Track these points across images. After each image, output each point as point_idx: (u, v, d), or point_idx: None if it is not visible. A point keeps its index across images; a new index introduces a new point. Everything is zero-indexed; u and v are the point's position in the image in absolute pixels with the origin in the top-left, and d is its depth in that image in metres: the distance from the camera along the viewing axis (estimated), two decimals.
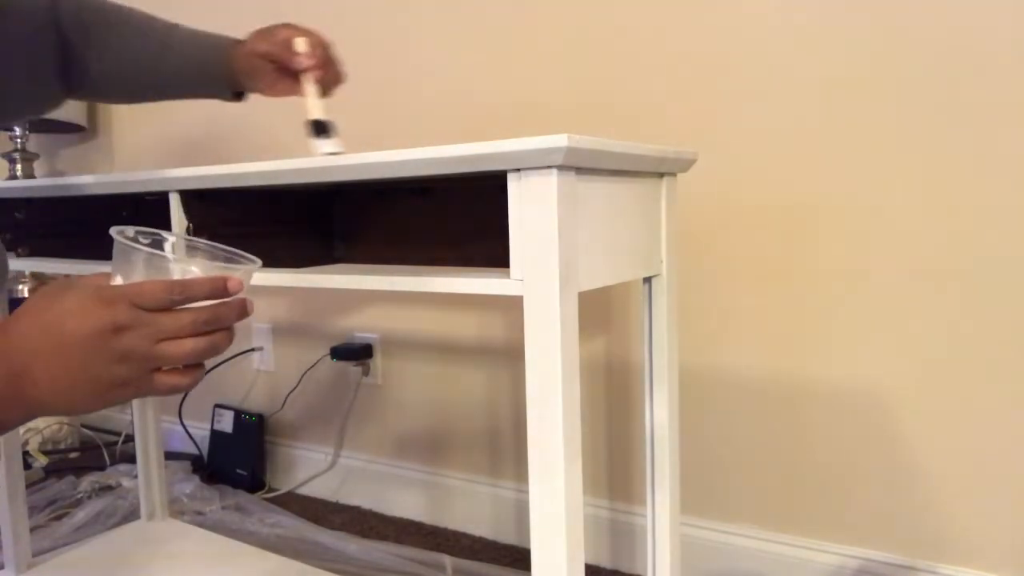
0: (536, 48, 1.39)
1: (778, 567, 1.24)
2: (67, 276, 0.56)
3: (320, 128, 0.89)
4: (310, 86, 0.93)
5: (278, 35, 0.94)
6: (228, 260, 0.58)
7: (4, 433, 0.52)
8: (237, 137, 1.83)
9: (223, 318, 0.54)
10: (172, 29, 0.98)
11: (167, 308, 0.52)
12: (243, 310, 0.56)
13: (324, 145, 0.88)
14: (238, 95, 1.02)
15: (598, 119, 1.34)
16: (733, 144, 1.22)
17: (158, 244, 0.58)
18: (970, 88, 1.05)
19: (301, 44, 0.93)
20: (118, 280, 0.54)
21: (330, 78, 0.95)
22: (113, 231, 0.54)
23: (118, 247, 0.54)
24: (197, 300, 0.53)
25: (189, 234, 0.83)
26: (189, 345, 0.53)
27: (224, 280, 0.54)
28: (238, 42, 0.97)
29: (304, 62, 0.92)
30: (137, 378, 0.52)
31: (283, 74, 0.95)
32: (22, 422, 0.54)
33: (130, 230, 0.56)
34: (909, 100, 1.09)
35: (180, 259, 0.56)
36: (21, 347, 0.52)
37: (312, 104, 0.91)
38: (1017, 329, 1.05)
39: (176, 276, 0.54)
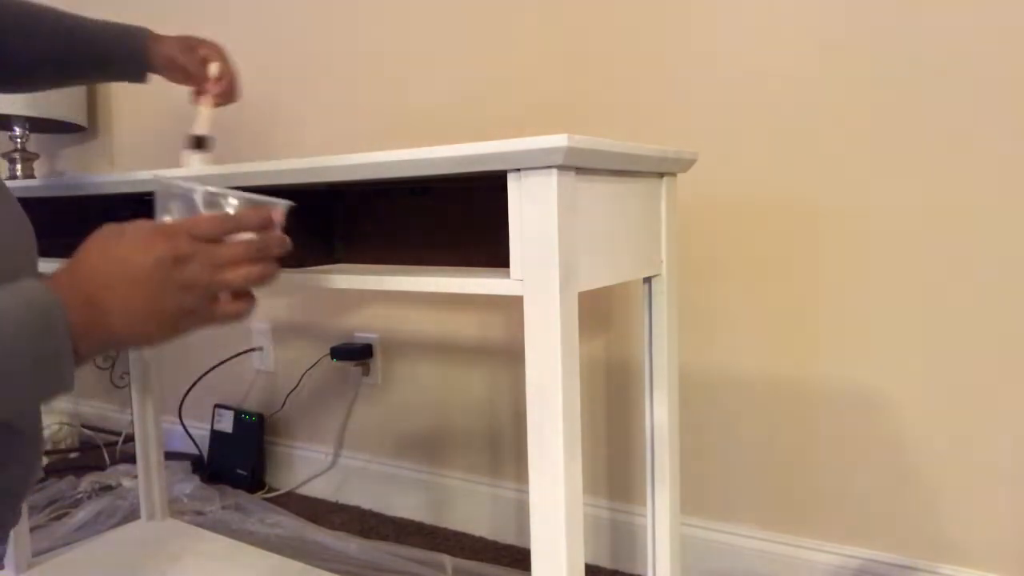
0: (536, 48, 1.39)
1: (778, 567, 1.24)
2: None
3: (199, 143, 1.03)
4: (206, 107, 1.05)
5: (198, 53, 1.04)
6: (259, 201, 0.62)
7: (81, 365, 0.55)
8: (237, 138, 1.83)
9: (271, 247, 0.59)
10: (82, 19, 1.03)
11: (221, 239, 0.57)
12: (285, 243, 0.60)
13: (194, 158, 1.02)
14: (141, 77, 1.09)
15: (598, 119, 1.34)
16: (733, 144, 1.22)
17: (190, 192, 0.62)
18: (970, 88, 1.05)
19: (214, 69, 1.04)
20: (165, 220, 0.58)
21: (227, 99, 1.07)
22: (156, 175, 0.60)
23: (164, 190, 0.59)
24: (247, 230, 0.58)
25: None
26: (245, 271, 0.57)
27: (268, 212, 0.59)
28: (154, 36, 1.05)
29: (211, 88, 1.04)
30: (200, 306, 0.56)
31: (188, 80, 1.06)
32: (98, 353, 0.56)
33: (168, 176, 0.61)
34: (909, 100, 1.09)
35: (223, 194, 0.60)
36: (92, 280, 0.54)
37: (201, 121, 1.04)
38: (1017, 329, 1.05)
39: (222, 211, 0.59)
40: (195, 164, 1.00)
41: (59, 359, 0.52)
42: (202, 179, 0.63)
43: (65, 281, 0.54)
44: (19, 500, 0.70)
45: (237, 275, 0.57)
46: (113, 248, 0.55)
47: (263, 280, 0.58)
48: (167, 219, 0.58)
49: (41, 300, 0.52)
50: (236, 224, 0.58)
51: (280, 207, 0.61)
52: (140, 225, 0.56)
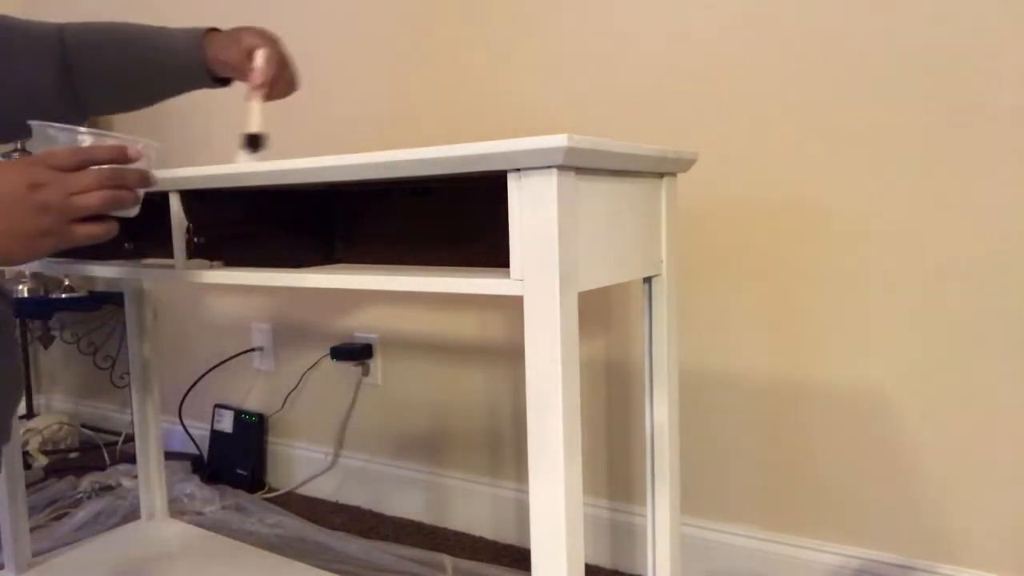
0: (536, 48, 1.39)
1: (778, 567, 1.24)
2: None
3: (252, 142, 0.95)
4: (255, 101, 0.97)
5: (241, 42, 0.98)
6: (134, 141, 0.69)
7: None
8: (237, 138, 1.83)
9: (124, 177, 0.65)
10: (155, 36, 1.01)
11: (75, 168, 0.63)
12: (144, 178, 0.67)
13: (245, 158, 0.95)
14: (222, 81, 1.05)
15: (598, 119, 1.34)
16: (733, 144, 1.22)
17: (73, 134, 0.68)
18: (970, 88, 1.05)
19: (259, 58, 0.96)
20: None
21: (279, 91, 1.01)
22: (32, 123, 0.67)
23: (35, 131, 0.66)
24: (100, 162, 0.64)
25: (189, 232, 0.84)
26: (97, 196, 0.63)
27: (123, 147, 0.66)
28: (208, 35, 1.01)
29: (256, 79, 0.96)
30: (58, 227, 0.63)
31: (237, 75, 1.02)
32: None
33: (44, 124, 0.67)
34: (909, 100, 1.09)
35: (86, 133, 0.67)
36: None
37: (252, 117, 0.96)
38: (1017, 329, 1.05)
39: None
40: (247, 160, 0.94)
41: None
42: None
43: None
44: None
45: (90, 199, 0.63)
46: None
47: (116, 205, 0.64)
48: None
49: None
50: (89, 156, 0.64)
51: (141, 144, 0.67)
52: (2, 161, 0.63)
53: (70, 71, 0.98)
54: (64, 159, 0.63)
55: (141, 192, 0.68)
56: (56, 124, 0.67)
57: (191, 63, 0.99)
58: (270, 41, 0.98)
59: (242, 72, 0.98)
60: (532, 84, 1.40)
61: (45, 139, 0.67)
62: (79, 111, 1.02)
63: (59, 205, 0.62)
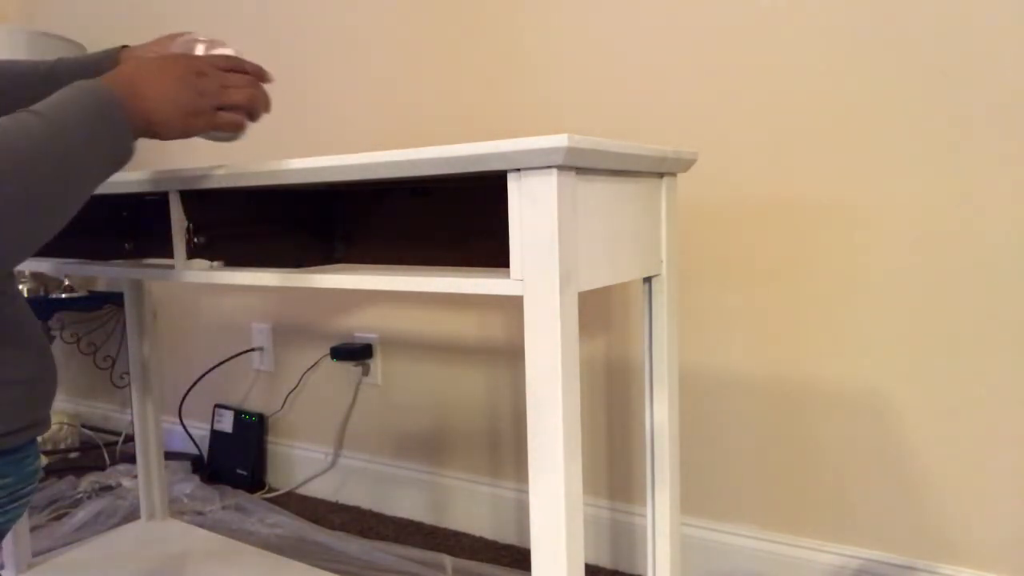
0: (536, 48, 1.39)
1: (778, 567, 1.24)
2: None
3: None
4: None
5: (176, 41, 1.04)
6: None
7: (128, 144, 0.70)
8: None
9: (260, 82, 0.81)
10: (55, 61, 1.03)
11: (228, 69, 0.78)
12: (268, 101, 0.82)
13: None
14: None
15: (598, 119, 1.34)
16: (733, 144, 1.22)
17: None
18: (970, 88, 1.05)
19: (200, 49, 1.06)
20: (199, 48, 0.90)
21: None
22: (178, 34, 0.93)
23: (184, 38, 0.92)
24: (247, 71, 0.80)
25: (189, 232, 0.84)
26: (244, 92, 0.78)
27: (262, 70, 0.83)
28: (129, 50, 1.04)
29: None
30: (208, 110, 0.75)
31: None
32: (139, 131, 0.71)
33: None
34: (909, 100, 1.09)
35: (220, 44, 0.91)
36: (135, 73, 0.72)
37: None
38: (1017, 329, 1.05)
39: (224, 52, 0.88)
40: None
41: (116, 125, 0.68)
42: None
43: (111, 78, 0.71)
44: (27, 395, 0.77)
45: (238, 94, 0.77)
46: (149, 60, 0.73)
47: (254, 103, 0.79)
48: (199, 48, 0.89)
49: (93, 85, 0.68)
50: (240, 64, 0.80)
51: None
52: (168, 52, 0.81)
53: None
54: (221, 60, 0.78)
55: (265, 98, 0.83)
56: (203, 37, 0.90)
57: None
58: (198, 38, 1.08)
59: None
60: (532, 84, 1.40)
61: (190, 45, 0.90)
62: None
63: (214, 92, 0.75)
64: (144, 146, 0.78)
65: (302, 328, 1.81)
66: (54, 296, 2.08)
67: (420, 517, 1.63)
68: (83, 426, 2.24)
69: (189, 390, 1.93)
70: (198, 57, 0.77)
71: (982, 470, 1.09)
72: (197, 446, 1.96)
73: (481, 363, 1.54)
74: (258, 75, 0.81)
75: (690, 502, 1.32)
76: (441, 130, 1.53)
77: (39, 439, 0.81)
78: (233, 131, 0.79)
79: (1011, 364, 1.06)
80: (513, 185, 0.63)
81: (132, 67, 0.73)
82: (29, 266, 1.09)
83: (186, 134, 0.75)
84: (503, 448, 1.53)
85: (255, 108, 0.79)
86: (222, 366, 1.92)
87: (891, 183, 1.12)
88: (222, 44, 0.90)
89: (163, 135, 0.73)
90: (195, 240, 0.84)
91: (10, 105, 0.99)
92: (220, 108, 0.76)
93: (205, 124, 0.75)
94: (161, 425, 1.48)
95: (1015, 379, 1.06)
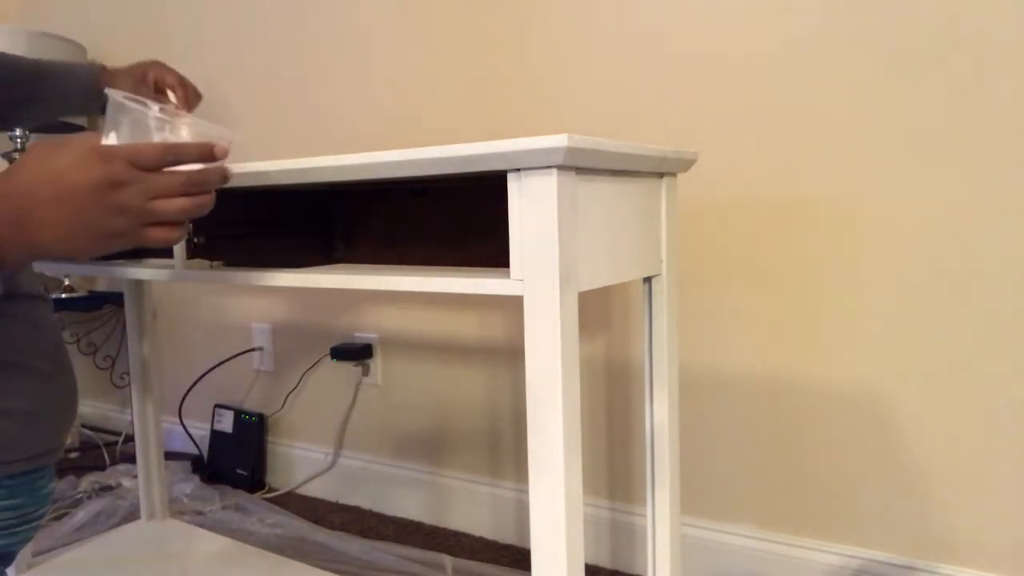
0: (536, 48, 1.39)
1: (778, 567, 1.24)
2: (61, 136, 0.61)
3: None
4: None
5: (149, 81, 1.07)
6: (208, 130, 0.63)
7: (8, 271, 0.58)
8: (237, 137, 1.83)
9: (209, 181, 0.60)
10: (39, 62, 1.06)
11: (160, 168, 0.57)
12: (225, 175, 0.62)
13: None
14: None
15: (598, 119, 1.34)
16: (733, 144, 1.22)
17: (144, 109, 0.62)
18: (970, 88, 1.05)
19: (173, 96, 1.09)
20: (111, 138, 0.58)
21: (191, 106, 1.13)
22: (108, 91, 0.59)
23: (114, 105, 0.58)
24: (188, 162, 0.59)
25: (189, 232, 0.83)
26: (179, 203, 0.58)
27: (212, 146, 0.60)
28: (106, 71, 1.09)
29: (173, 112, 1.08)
30: (131, 230, 0.58)
31: None
32: (24, 263, 0.58)
33: (120, 94, 0.59)
34: (909, 100, 1.09)
35: (171, 121, 0.60)
36: (25, 193, 0.55)
37: (184, 137, 1.07)
38: (1017, 329, 1.05)
39: (166, 138, 0.59)
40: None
41: None
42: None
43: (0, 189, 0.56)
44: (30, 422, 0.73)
45: (171, 206, 0.58)
46: (51, 161, 0.56)
47: (196, 212, 0.60)
48: (112, 137, 0.58)
49: None
50: (177, 155, 0.58)
51: (225, 139, 0.61)
52: (83, 141, 0.57)
53: None
54: (150, 158, 0.57)
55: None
56: (136, 98, 0.61)
57: (85, 90, 1.06)
58: (171, 73, 1.10)
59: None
60: (532, 84, 1.40)
61: (126, 117, 0.58)
62: None
63: (138, 209, 0.57)
64: None
65: (302, 328, 1.81)
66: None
67: (420, 517, 1.63)
68: (83, 426, 2.24)
69: (189, 390, 1.93)
70: (115, 158, 0.56)
71: (982, 470, 1.09)
72: (197, 446, 1.96)
73: (481, 363, 1.54)
74: (205, 157, 0.60)
75: (690, 502, 1.32)
76: (441, 130, 1.53)
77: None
78: (166, 245, 0.62)
79: (1011, 364, 1.06)
80: (513, 185, 0.63)
81: (23, 182, 0.56)
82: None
83: (100, 255, 0.61)
84: (503, 448, 1.53)
85: (199, 214, 0.61)
86: (222, 366, 1.92)
87: (891, 183, 1.11)
88: (180, 114, 0.66)
89: (67, 260, 0.62)
90: (195, 240, 0.84)
91: None
92: (149, 224, 0.59)
93: (127, 244, 0.59)
94: (161, 425, 1.48)
95: (1015, 379, 1.06)
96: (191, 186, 0.58)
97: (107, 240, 0.57)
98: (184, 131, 0.60)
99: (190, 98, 1.11)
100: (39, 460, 0.72)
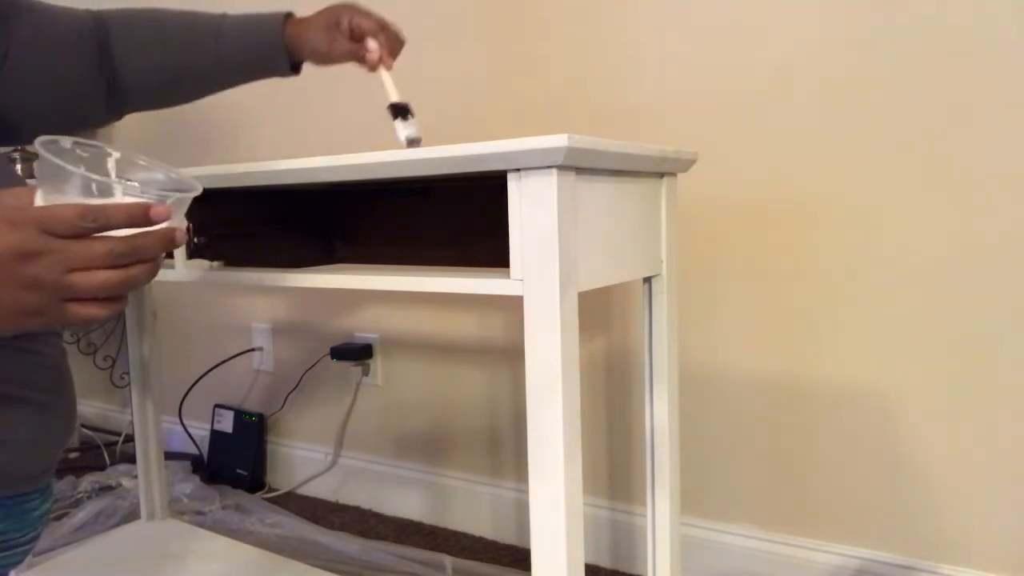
0: (536, 48, 1.39)
1: (778, 567, 1.24)
2: None
3: (399, 111, 0.93)
4: (385, 74, 0.96)
5: (342, 30, 0.95)
6: (167, 183, 0.54)
7: None
8: (238, 137, 1.84)
9: (142, 249, 0.50)
10: (221, 19, 0.97)
11: (80, 235, 0.49)
12: (169, 241, 0.52)
13: (404, 128, 0.93)
14: (295, 68, 1.02)
15: (598, 119, 1.34)
16: (733, 144, 1.22)
17: (97, 158, 0.53)
18: (969, 88, 1.05)
19: (372, 44, 0.96)
20: (38, 197, 0.51)
21: (397, 52, 1.00)
22: (39, 141, 0.50)
23: (41, 160, 0.50)
24: (113, 228, 0.49)
25: (189, 232, 0.83)
26: (101, 277, 0.49)
27: (146, 208, 0.50)
28: (294, 23, 0.96)
29: (375, 58, 0.95)
30: (47, 308, 0.50)
31: (352, 60, 0.98)
32: None
33: (67, 141, 0.52)
34: (909, 100, 1.09)
35: (102, 178, 0.51)
36: None
37: (389, 89, 0.95)
38: (1017, 329, 1.05)
39: (96, 199, 0.50)
40: (407, 131, 0.93)
41: None
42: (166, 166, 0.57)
43: None
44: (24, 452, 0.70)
45: (91, 280, 0.49)
46: None
47: (125, 287, 0.51)
48: (39, 196, 0.50)
49: None
50: (99, 219, 0.48)
51: (171, 200, 0.52)
52: (8, 201, 0.50)
53: (112, 61, 0.91)
54: (66, 225, 0.48)
55: (162, 258, 0.54)
56: (78, 154, 0.52)
57: (266, 54, 0.95)
58: (366, 14, 0.96)
59: (358, 57, 0.96)
60: (532, 84, 1.40)
61: (51, 172, 0.50)
62: (116, 107, 0.97)
63: (53, 283, 0.48)
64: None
65: (302, 328, 1.81)
66: None
67: (420, 517, 1.63)
68: (83, 426, 2.24)
69: (189, 390, 1.93)
70: (25, 224, 0.48)
71: (982, 470, 1.09)
72: (197, 446, 1.96)
73: (481, 363, 1.54)
74: (136, 221, 0.50)
75: (690, 502, 1.32)
76: (442, 129, 1.52)
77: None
78: (93, 323, 0.55)
79: (1011, 364, 1.06)
80: (513, 185, 0.63)
81: None
82: None
83: (20, 331, 0.53)
84: (503, 448, 1.53)
85: (129, 288, 0.51)
86: (222, 366, 1.92)
87: (891, 183, 1.11)
88: (137, 161, 0.55)
89: None
90: (195, 240, 0.84)
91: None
92: (68, 299, 0.50)
93: (46, 322, 0.51)
94: (161, 425, 1.48)
95: (1015, 379, 1.06)
96: (117, 256, 0.49)
97: (20, 319, 0.50)
98: (118, 190, 0.50)
99: (393, 45, 0.98)
100: (28, 484, 0.69)
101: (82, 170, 0.50)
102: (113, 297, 0.51)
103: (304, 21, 0.96)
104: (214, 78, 0.98)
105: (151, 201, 0.50)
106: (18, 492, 0.69)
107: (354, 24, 0.94)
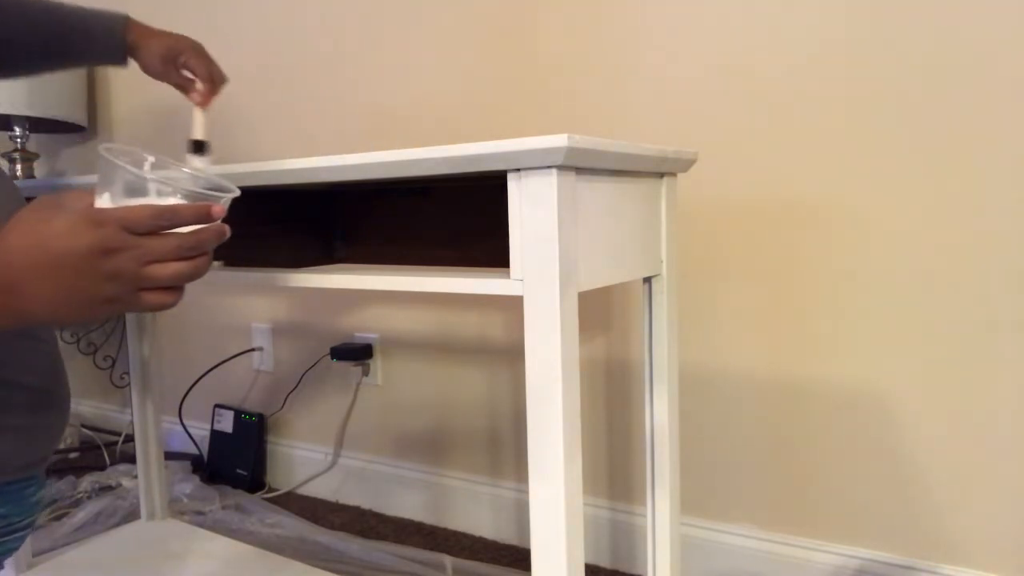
0: (536, 48, 1.39)
1: (778, 567, 1.24)
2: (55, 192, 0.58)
3: (198, 147, 1.07)
4: (198, 113, 1.09)
5: (178, 63, 1.07)
6: (208, 184, 0.60)
7: None
8: (238, 137, 1.83)
9: (205, 243, 0.57)
10: (56, 4, 1.04)
11: (154, 232, 0.55)
12: (223, 235, 0.59)
13: (196, 162, 1.05)
14: (122, 62, 1.11)
15: (598, 119, 1.34)
16: (733, 144, 1.22)
17: (138, 163, 0.59)
18: (969, 89, 1.05)
19: (200, 86, 1.09)
20: (104, 199, 0.56)
21: (217, 91, 1.12)
22: (101, 148, 0.56)
23: (106, 165, 0.55)
24: (183, 225, 0.56)
25: None
26: (173, 268, 0.55)
27: (209, 208, 0.57)
28: (136, 28, 1.07)
29: (197, 99, 1.09)
30: (125, 296, 0.55)
31: (176, 87, 1.11)
32: (11, 327, 0.57)
33: (113, 149, 0.57)
34: (909, 100, 1.09)
35: (167, 183, 0.57)
36: (13, 262, 0.53)
37: (197, 125, 1.09)
38: (1017, 329, 1.05)
39: (159, 200, 0.56)
40: (197, 164, 1.05)
41: None
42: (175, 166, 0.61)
43: None
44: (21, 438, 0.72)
45: (165, 271, 0.55)
46: (42, 227, 0.54)
47: (192, 276, 0.57)
48: (105, 198, 0.56)
49: None
50: (172, 218, 0.55)
51: (223, 201, 0.59)
52: (73, 207, 0.55)
53: None
54: (143, 222, 0.54)
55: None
56: (129, 150, 0.58)
57: (109, 41, 1.05)
58: (203, 56, 1.08)
59: (183, 88, 1.09)
60: (532, 84, 1.40)
61: (114, 173, 0.56)
62: None
63: (132, 274, 0.54)
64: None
65: (302, 328, 1.81)
66: None
67: (420, 517, 1.63)
68: (83, 426, 2.24)
69: (189, 390, 1.93)
70: (107, 223, 0.54)
71: (982, 470, 1.09)
72: (197, 446, 1.96)
73: (481, 363, 1.54)
74: (202, 219, 0.57)
75: (690, 502, 1.32)
76: (442, 130, 1.53)
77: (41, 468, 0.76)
78: (162, 310, 0.60)
79: (1011, 364, 1.06)
80: (513, 185, 0.63)
81: (13, 249, 0.53)
82: None
83: (94, 319, 0.58)
84: (503, 448, 1.53)
85: (195, 278, 0.58)
86: (222, 366, 1.92)
87: (891, 183, 1.12)
88: (177, 164, 0.63)
89: (60, 325, 0.59)
90: None
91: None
92: (143, 289, 0.56)
93: (121, 309, 0.57)
94: (161, 425, 1.48)
95: (1015, 379, 1.06)
96: (186, 250, 0.56)
97: (100, 307, 0.55)
98: (181, 193, 0.57)
99: (216, 90, 1.10)
100: (27, 471, 0.71)
101: (149, 164, 0.59)
102: (176, 287, 0.58)
103: (145, 39, 1.07)
104: (47, 62, 1.07)
105: (210, 203, 0.58)
106: (20, 477, 0.70)
107: (189, 65, 1.07)
